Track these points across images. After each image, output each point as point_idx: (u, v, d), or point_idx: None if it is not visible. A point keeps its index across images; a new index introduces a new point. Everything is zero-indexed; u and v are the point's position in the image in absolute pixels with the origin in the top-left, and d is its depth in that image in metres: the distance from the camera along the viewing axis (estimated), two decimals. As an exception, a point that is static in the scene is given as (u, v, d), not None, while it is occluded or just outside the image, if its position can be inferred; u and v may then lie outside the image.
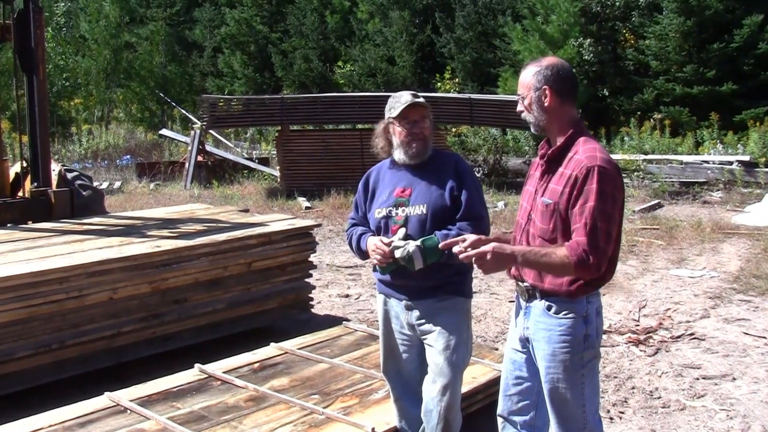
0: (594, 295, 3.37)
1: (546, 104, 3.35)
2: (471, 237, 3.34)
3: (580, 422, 3.40)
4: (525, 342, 3.50)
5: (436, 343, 3.88)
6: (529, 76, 3.39)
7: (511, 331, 3.64)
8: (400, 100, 3.91)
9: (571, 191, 3.23)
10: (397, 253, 3.73)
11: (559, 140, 3.37)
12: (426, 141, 3.93)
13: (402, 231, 3.80)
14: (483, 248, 3.25)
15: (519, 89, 3.45)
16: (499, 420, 3.67)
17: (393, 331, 4.06)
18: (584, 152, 3.26)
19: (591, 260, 3.15)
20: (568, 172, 3.26)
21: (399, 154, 3.97)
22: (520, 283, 3.49)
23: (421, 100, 3.92)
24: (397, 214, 3.88)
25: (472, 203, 3.87)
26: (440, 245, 3.55)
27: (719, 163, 16.49)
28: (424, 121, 3.92)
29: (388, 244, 3.77)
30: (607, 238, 3.18)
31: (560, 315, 3.33)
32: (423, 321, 3.91)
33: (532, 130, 3.49)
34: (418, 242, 3.72)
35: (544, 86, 3.34)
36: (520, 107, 3.45)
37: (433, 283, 3.86)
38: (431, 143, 3.99)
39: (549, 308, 3.35)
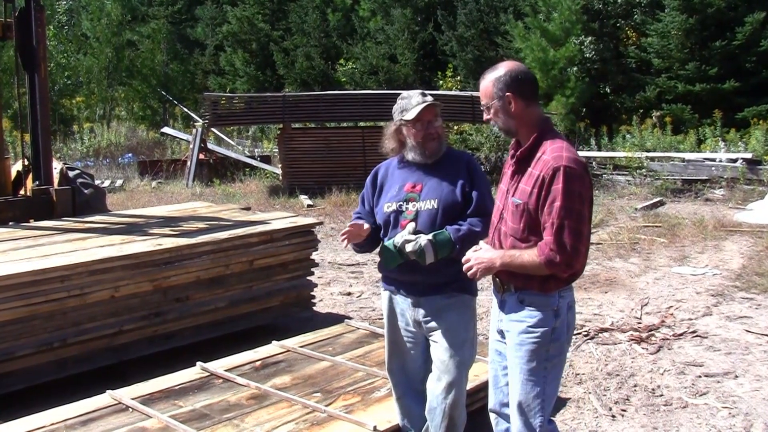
0: (566, 289, 3.44)
1: (512, 110, 3.40)
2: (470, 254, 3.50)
3: (536, 414, 3.44)
4: (502, 333, 3.55)
5: (442, 340, 3.87)
6: (489, 85, 3.43)
7: (492, 323, 3.69)
8: (411, 102, 3.90)
9: (540, 192, 3.29)
10: (408, 247, 3.73)
11: (527, 141, 3.42)
12: (440, 140, 3.95)
13: (411, 225, 3.80)
14: (469, 264, 3.46)
15: (482, 99, 3.48)
16: (492, 415, 3.71)
17: (398, 327, 4.05)
18: (551, 152, 3.31)
19: (558, 259, 3.24)
20: (536, 172, 3.32)
21: (413, 155, 3.96)
22: (495, 278, 3.55)
23: (431, 99, 3.91)
24: (407, 208, 3.88)
25: (483, 200, 3.89)
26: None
27: (726, 161, 16.46)
28: (437, 119, 3.93)
29: (361, 226, 3.88)
30: (577, 235, 3.24)
31: (532, 308, 3.40)
32: (429, 318, 3.90)
33: (504, 135, 3.55)
34: (430, 236, 3.73)
35: (507, 93, 3.38)
36: (486, 116, 3.48)
37: (441, 280, 3.86)
38: (445, 141, 4.00)
39: (522, 301, 3.43)
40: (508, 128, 3.45)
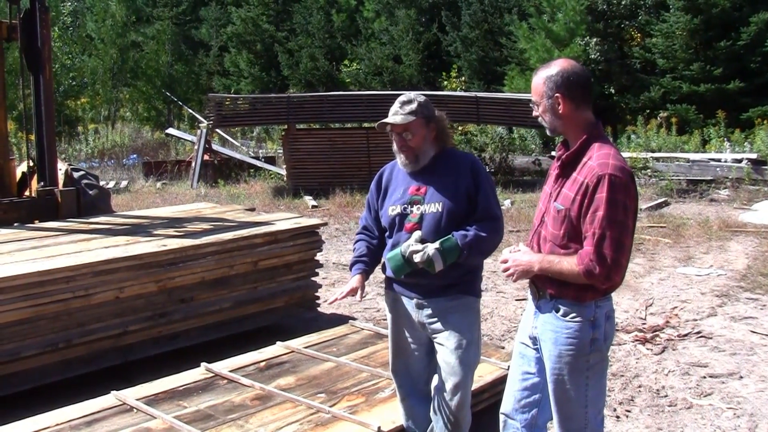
0: (604, 299, 3.35)
1: (560, 111, 3.32)
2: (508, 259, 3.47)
3: (581, 422, 3.40)
4: (534, 340, 3.50)
5: (447, 342, 3.86)
6: (540, 82, 3.35)
7: (522, 326, 3.64)
8: (390, 110, 3.90)
9: (583, 199, 3.22)
10: (416, 258, 3.70)
11: (574, 145, 3.35)
12: (413, 151, 3.88)
13: (417, 234, 3.77)
14: (506, 265, 3.44)
15: (532, 95, 3.41)
16: (501, 417, 3.66)
17: (402, 328, 4.03)
18: (597, 159, 3.23)
19: (598, 270, 3.16)
20: (581, 178, 3.24)
21: (398, 160, 4.00)
22: (531, 284, 3.49)
23: (400, 115, 3.85)
24: (411, 211, 3.86)
25: (489, 204, 3.85)
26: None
27: (731, 161, 16.44)
28: (406, 134, 3.86)
29: (355, 291, 3.90)
30: (618, 247, 3.16)
31: (567, 318, 3.33)
32: (434, 320, 3.88)
33: (549, 133, 3.47)
34: (437, 244, 3.69)
35: (556, 94, 3.30)
36: (535, 113, 3.43)
37: (445, 282, 3.83)
38: (426, 151, 3.91)
39: (557, 310, 3.35)
40: (555, 128, 3.38)
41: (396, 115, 3.87)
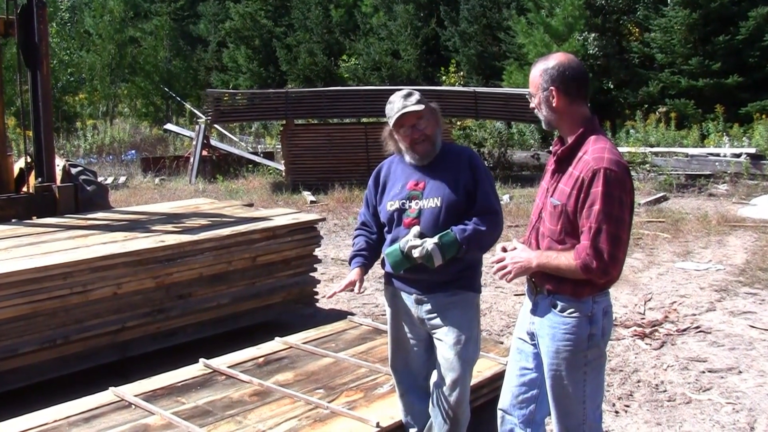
0: (601, 295, 3.34)
1: (554, 104, 3.31)
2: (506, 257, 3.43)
3: (579, 418, 3.40)
4: (532, 335, 3.49)
5: (446, 337, 3.85)
6: (537, 75, 3.34)
7: (519, 322, 3.63)
8: (393, 108, 3.85)
9: (579, 194, 3.21)
10: (415, 253, 3.69)
11: (570, 139, 3.34)
12: (429, 140, 3.87)
13: (416, 229, 3.76)
14: (502, 263, 3.40)
15: (530, 87, 3.40)
16: (499, 413, 3.65)
17: (402, 324, 4.02)
18: (592, 153, 3.22)
19: (594, 265, 3.16)
20: (577, 173, 3.23)
21: (408, 158, 3.93)
22: (529, 279, 3.48)
23: (412, 105, 3.82)
24: (410, 207, 3.84)
25: (488, 198, 3.84)
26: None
27: (730, 156, 16.45)
28: (421, 122, 3.84)
29: (353, 284, 3.87)
30: (615, 241, 3.15)
31: (565, 313, 3.32)
32: (433, 315, 3.87)
33: (544, 127, 3.46)
34: (435, 239, 3.68)
35: (551, 87, 3.29)
36: (531, 104, 3.42)
37: (444, 278, 3.82)
38: (438, 139, 3.92)
39: (554, 306, 3.34)
40: (549, 122, 3.37)
41: (406, 107, 3.84)
